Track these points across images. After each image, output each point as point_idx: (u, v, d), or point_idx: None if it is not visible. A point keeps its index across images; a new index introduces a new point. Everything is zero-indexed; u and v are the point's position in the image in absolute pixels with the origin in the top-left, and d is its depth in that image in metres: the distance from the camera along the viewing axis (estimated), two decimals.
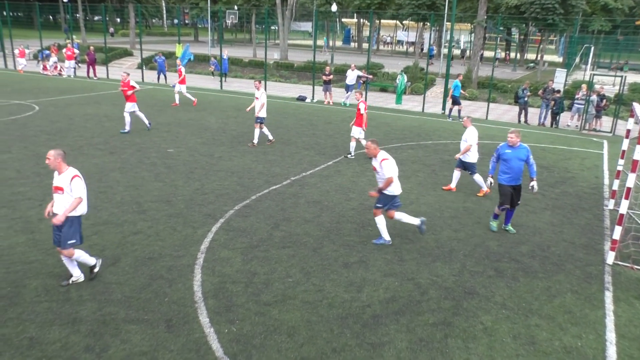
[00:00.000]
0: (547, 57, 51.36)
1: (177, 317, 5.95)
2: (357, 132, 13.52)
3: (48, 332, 5.55)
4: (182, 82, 20.96)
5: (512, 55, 52.36)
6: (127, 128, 15.50)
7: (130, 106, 15.48)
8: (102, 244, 7.76)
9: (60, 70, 30.34)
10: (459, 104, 20.92)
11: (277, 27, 46.42)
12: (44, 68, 30.73)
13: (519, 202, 9.02)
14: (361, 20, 61.17)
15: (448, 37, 30.72)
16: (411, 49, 58.46)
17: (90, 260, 6.70)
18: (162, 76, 28.86)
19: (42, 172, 11.17)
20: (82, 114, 18.16)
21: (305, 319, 6.03)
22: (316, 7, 48.66)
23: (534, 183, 8.84)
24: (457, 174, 11.14)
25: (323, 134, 16.73)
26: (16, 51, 31.67)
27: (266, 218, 9.15)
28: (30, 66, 32.65)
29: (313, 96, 24.43)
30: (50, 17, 74.79)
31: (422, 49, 48.11)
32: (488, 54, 50.83)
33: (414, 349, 5.58)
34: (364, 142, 13.18)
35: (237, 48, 51.52)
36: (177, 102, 21.11)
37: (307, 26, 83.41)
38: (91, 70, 29.32)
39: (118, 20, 79.46)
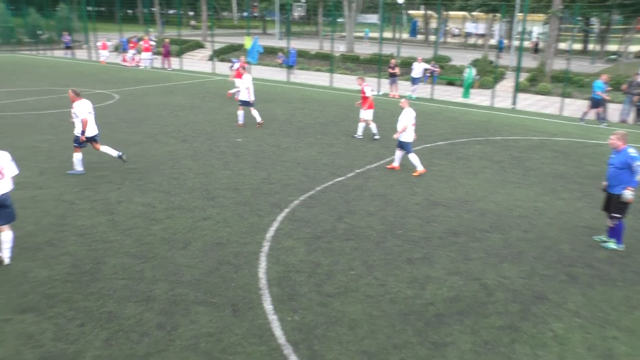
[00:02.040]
0: (634, 48, 47.96)
1: (242, 302, 6.14)
2: (366, 115, 14.44)
3: (124, 308, 5.90)
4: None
5: (591, 47, 49.36)
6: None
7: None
8: (174, 228, 8.12)
9: (138, 61, 31.85)
10: (598, 106, 18.52)
11: (343, 20, 46.32)
12: (124, 59, 32.39)
13: (614, 215, 7.93)
14: (428, 12, 59.84)
15: (520, 29, 29.45)
16: (480, 42, 56.55)
17: None
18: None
19: None
20: (157, 103, 19.00)
21: (366, 313, 6.04)
22: None
23: (626, 192, 7.68)
24: (398, 153, 11.83)
25: (388, 127, 16.56)
26: (99, 44, 33.58)
27: (330, 210, 9.22)
28: (111, 57, 34.49)
29: (379, 89, 24.24)
30: (130, 11, 78.56)
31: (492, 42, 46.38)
32: (563, 46, 48.26)
33: (478, 352, 5.45)
34: (372, 125, 14.36)
35: (304, 40, 51.94)
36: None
37: (374, 18, 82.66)
38: (166, 61, 30.60)
39: (191, 13, 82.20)
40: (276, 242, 7.83)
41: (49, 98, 19.21)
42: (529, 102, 22.91)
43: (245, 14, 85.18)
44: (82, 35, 39.07)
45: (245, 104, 15.55)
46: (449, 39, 64.28)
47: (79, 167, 10.59)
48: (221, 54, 36.38)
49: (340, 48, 40.26)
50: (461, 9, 49.79)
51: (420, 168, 11.50)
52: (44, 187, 9.74)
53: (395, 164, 11.87)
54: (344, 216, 8.95)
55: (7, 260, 6.78)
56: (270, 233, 8.12)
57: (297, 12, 49.71)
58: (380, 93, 23.73)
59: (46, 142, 12.90)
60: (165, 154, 12.33)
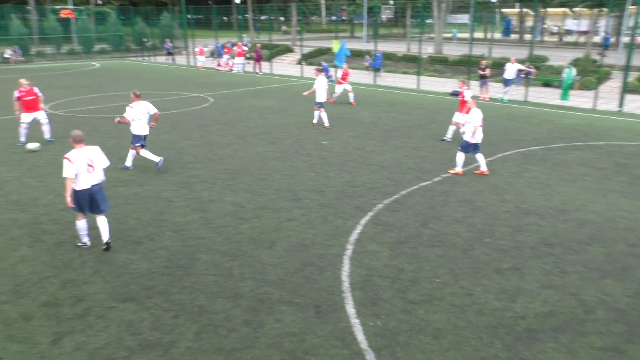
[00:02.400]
0: None
1: (325, 304, 6.20)
2: (460, 118, 13.73)
3: (214, 303, 6.18)
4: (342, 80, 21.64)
5: None
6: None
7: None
8: (261, 227, 8.38)
9: (231, 66, 33.30)
10: None
11: (432, 20, 45.38)
12: (218, 64, 34.01)
13: None
14: (523, 9, 56.96)
15: (630, 24, 27.14)
16: (582, 39, 52.88)
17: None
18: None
19: (213, 158, 12.41)
20: (248, 106, 19.74)
21: (452, 323, 5.86)
22: None
23: None
24: (479, 157, 11.46)
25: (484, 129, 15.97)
26: (196, 49, 35.52)
27: (415, 214, 9.06)
28: (207, 62, 36.33)
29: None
30: (225, 18, 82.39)
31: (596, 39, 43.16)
32: None
33: None
34: (462, 128, 13.11)
35: (391, 42, 51.51)
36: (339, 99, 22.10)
37: (464, 18, 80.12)
38: (257, 66, 31.70)
39: (282, 18, 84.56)
40: (360, 245, 7.82)
41: (151, 101, 20.58)
42: (638, 104, 21.07)
43: (333, 18, 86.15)
44: (182, 41, 41.53)
45: (320, 104, 16.00)
46: (547, 38, 60.80)
47: (129, 163, 11.54)
48: (309, 58, 37.04)
49: (428, 50, 39.46)
50: (561, 5, 46.90)
51: (459, 169, 11.43)
52: (145, 184, 10.45)
53: (483, 168, 11.47)
54: (429, 222, 8.76)
55: (105, 239, 7.47)
56: (353, 236, 8.14)
57: (385, 15, 49.36)
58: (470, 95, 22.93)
59: (149, 142, 13.83)
60: (254, 155, 12.76)
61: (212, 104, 20.22)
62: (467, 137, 11.34)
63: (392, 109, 19.69)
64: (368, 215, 9.00)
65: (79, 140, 7.19)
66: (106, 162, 7.52)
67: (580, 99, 22.35)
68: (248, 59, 34.97)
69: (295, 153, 13.03)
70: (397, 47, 42.00)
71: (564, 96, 22.08)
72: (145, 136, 11.40)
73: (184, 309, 6.04)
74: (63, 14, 42.69)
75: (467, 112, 13.60)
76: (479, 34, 55.52)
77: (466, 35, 52.68)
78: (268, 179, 10.88)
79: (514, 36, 62.36)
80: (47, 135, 13.89)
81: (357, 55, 36.89)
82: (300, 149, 13.40)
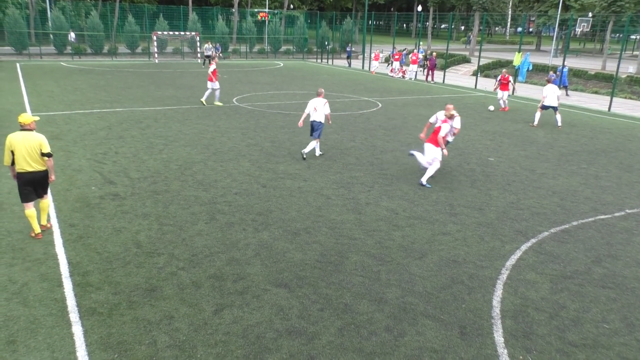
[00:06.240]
0: None
1: (471, 327, 5.93)
2: None
3: (359, 304, 6.31)
4: (504, 88, 21.17)
5: None
6: None
7: None
8: (413, 237, 8.32)
9: (404, 72, 33.49)
10: None
11: (639, 36, 40.04)
12: (391, 70, 34.49)
13: None
14: None
15: None
16: None
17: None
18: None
19: (375, 162, 12.64)
20: (415, 114, 19.67)
21: None
22: None
23: None
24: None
25: None
26: (372, 55, 36.45)
27: (586, 249, 8.16)
28: (380, 68, 37.04)
29: None
30: (404, 25, 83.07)
31: None
32: None
33: None
34: None
35: (583, 59, 46.87)
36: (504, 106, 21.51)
37: None
38: (430, 74, 31.39)
39: (462, 27, 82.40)
40: (517, 272, 7.31)
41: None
42: None
43: (519, 29, 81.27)
44: (360, 46, 42.99)
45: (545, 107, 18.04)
46: None
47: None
48: (486, 70, 35.52)
49: (628, 69, 35.06)
50: None
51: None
52: (308, 180, 11.08)
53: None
54: (602, 259, 7.82)
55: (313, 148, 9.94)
56: (511, 261, 7.63)
57: (581, 28, 45.02)
58: None
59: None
60: (415, 164, 12.68)
61: (380, 109, 20.56)
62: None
63: (573, 130, 17.95)
64: (530, 241, 8.36)
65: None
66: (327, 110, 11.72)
67: None
68: (422, 67, 34.81)
69: (457, 166, 12.64)
70: (590, 64, 38.11)
71: None
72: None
73: (330, 304, 6.28)
74: (260, 17, 47.16)
75: None
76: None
77: None
78: (426, 190, 10.72)
79: None
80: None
81: (540, 70, 34.37)
82: (464, 163, 12.95)
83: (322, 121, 12.33)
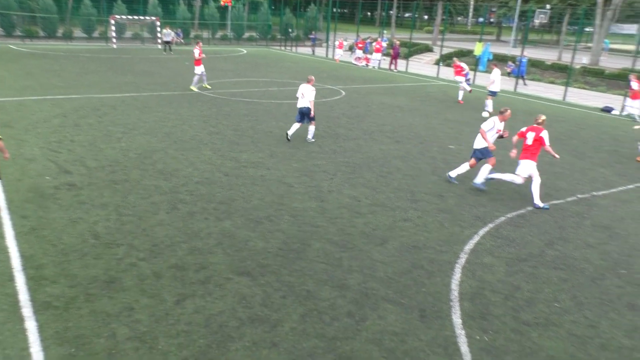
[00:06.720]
0: None
1: (430, 310, 6.08)
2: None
3: (321, 290, 6.37)
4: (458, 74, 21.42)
5: None
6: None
7: None
8: (375, 224, 8.42)
9: (367, 60, 33.60)
10: None
11: (593, 29, 41.35)
12: (355, 59, 34.53)
13: None
14: None
15: None
16: None
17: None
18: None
19: (337, 150, 12.70)
20: (378, 103, 19.82)
21: (569, 353, 5.41)
22: None
23: None
24: None
25: (628, 152, 14.41)
26: (337, 43, 36.39)
27: (540, 233, 8.46)
28: (344, 56, 37.05)
29: (623, 108, 21.16)
30: (368, 13, 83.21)
31: None
32: None
33: None
34: None
35: (541, 49, 48.11)
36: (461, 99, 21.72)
37: (632, 28, 72.04)
38: (393, 63, 31.62)
39: (425, 17, 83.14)
40: (474, 256, 7.52)
41: (287, 90, 21.58)
42: None
43: (480, 19, 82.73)
44: (324, 34, 42.85)
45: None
46: None
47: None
48: (447, 59, 36.06)
49: (582, 60, 36.22)
50: None
51: None
52: (271, 168, 11.03)
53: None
54: (555, 242, 8.13)
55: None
56: (469, 246, 7.83)
57: (539, 19, 46.01)
58: (624, 114, 20.70)
59: (279, 129, 14.55)
60: (377, 152, 12.81)
61: (344, 97, 20.62)
62: None
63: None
64: (488, 226, 8.60)
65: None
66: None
67: None
68: (385, 55, 35.00)
69: (419, 154, 12.83)
70: (547, 55, 39.19)
71: None
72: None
73: (292, 291, 6.31)
74: (223, 2, 46.26)
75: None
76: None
77: (624, 47, 47.56)
78: (388, 177, 10.86)
79: None
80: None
81: (500, 59, 35.10)
82: (425, 151, 13.16)
83: (310, 107, 12.70)
